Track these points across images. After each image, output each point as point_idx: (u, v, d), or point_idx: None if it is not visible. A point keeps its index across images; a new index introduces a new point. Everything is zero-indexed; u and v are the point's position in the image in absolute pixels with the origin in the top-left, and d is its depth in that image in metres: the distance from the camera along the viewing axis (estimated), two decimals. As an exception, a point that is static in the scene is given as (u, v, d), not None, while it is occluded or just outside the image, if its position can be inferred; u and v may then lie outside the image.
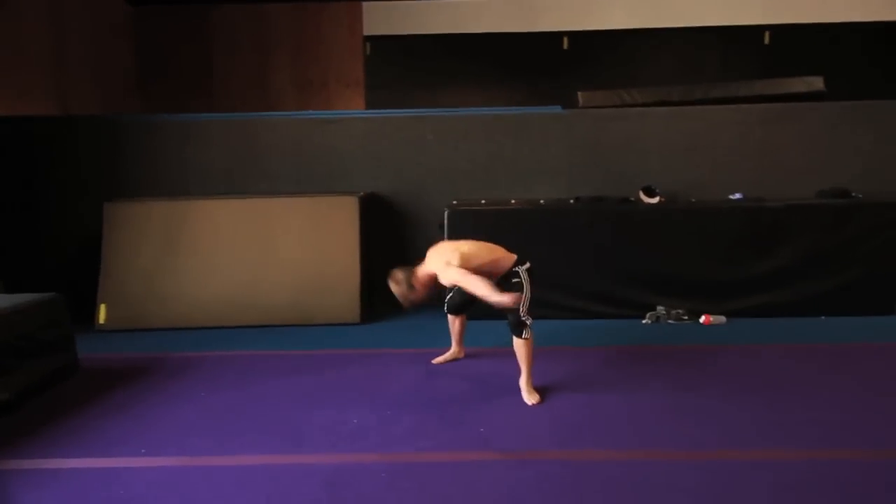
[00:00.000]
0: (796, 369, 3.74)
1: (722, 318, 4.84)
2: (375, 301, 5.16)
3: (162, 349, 4.36)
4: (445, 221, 4.94)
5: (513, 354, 3.36)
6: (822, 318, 4.91)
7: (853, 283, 4.92)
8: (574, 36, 8.35)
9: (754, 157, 5.42)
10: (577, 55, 8.40)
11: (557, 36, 8.42)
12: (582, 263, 5.01)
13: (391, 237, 5.57)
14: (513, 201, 5.29)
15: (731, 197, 5.25)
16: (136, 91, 8.37)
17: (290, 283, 4.99)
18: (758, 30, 8.22)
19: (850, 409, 3.12)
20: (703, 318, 4.84)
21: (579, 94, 5.70)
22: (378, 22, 8.51)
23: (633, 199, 5.22)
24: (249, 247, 5.10)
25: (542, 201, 5.31)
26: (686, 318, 4.88)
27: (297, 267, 5.04)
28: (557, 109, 5.61)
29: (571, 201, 5.29)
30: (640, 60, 8.38)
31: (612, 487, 2.43)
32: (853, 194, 5.10)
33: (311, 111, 7.18)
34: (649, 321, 4.89)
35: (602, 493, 2.39)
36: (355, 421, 3.08)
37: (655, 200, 5.15)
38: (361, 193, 5.34)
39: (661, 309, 4.92)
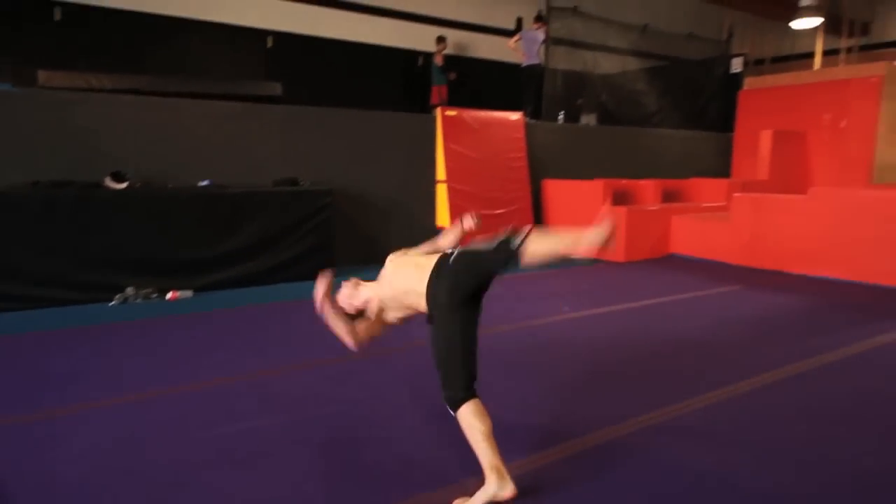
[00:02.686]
0: (250, 321, 4.50)
1: (189, 293, 5.39)
2: None
3: None
4: None
5: None
6: (281, 284, 5.95)
7: (301, 255, 6.10)
8: (68, 7, 7.79)
9: (222, 149, 6.14)
10: (70, 32, 7.84)
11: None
12: (43, 250, 4.87)
13: None
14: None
15: (201, 184, 5.83)
16: None
17: None
18: (262, 33, 9.22)
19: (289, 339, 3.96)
20: (169, 295, 5.29)
21: (39, 72, 5.43)
22: None
23: (101, 184, 5.29)
24: None
25: (-10, 186, 4.90)
26: (155, 296, 5.25)
27: None
28: (7, 87, 5.23)
29: (30, 186, 5.04)
30: (150, 47, 8.40)
31: None
32: (301, 183, 6.28)
33: None
34: (117, 302, 5.08)
35: None
36: None
37: (124, 186, 5.34)
38: None
39: (129, 290, 5.17)
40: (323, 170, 6.69)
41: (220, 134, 6.13)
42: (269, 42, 9.22)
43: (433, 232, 7.90)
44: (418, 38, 10.47)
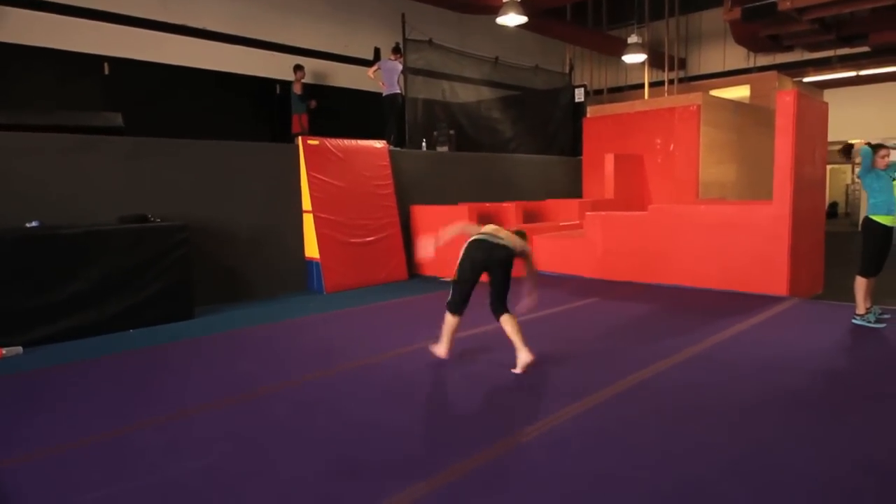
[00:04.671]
0: (84, 382, 3.97)
1: (18, 349, 4.72)
2: None
3: None
4: None
5: None
6: (131, 331, 5.41)
7: (155, 296, 5.61)
8: None
9: (56, 186, 5.52)
10: None
11: None
12: None
13: None
14: None
15: (28, 225, 5.18)
16: None
17: None
18: (97, 59, 8.48)
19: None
20: (-6, 353, 4.60)
21: None
22: None
23: None
24: None
25: None
26: (-26, 356, 4.53)
27: None
28: None
29: None
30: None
31: None
32: (150, 218, 5.80)
33: None
34: (-77, 369, 4.31)
35: None
36: None
37: (-72, 232, 4.59)
38: None
39: (-61, 352, 4.42)
40: (177, 204, 6.24)
41: (53, 170, 5.50)
42: (106, 69, 8.50)
43: (302, 264, 7.70)
44: (274, 67, 10.23)
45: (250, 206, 6.94)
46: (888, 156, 4.90)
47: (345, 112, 10.57)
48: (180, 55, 9.25)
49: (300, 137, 7.51)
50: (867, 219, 5.01)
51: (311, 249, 7.38)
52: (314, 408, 3.44)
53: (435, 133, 9.74)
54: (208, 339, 5.09)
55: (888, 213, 4.90)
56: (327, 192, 7.44)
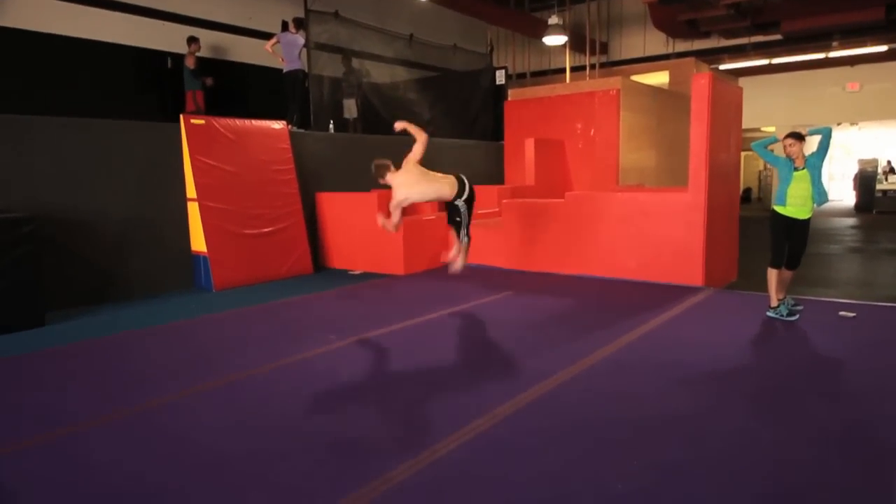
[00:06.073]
0: None
1: None
2: None
3: None
4: None
5: None
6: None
7: (-8, 302, 4.74)
8: None
9: None
10: None
11: None
12: None
13: None
14: None
15: None
16: None
17: None
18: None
19: None
20: None
21: None
22: None
23: None
24: None
25: None
26: None
27: None
28: None
29: None
30: None
31: None
32: (-14, 210, 4.90)
33: None
34: None
35: None
36: None
37: None
38: None
39: None
40: (27, 192, 5.34)
41: None
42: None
43: (187, 257, 6.89)
44: (166, 38, 9.21)
45: (122, 193, 6.09)
46: (794, 145, 4.70)
47: (250, 90, 9.68)
48: (53, 23, 8.11)
49: (182, 116, 6.67)
50: (771, 209, 4.90)
51: (199, 242, 6.60)
52: (139, 443, 2.80)
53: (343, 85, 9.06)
54: (40, 355, 4.28)
55: (781, 204, 4.77)
56: (215, 178, 6.66)
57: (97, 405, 3.29)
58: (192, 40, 8.90)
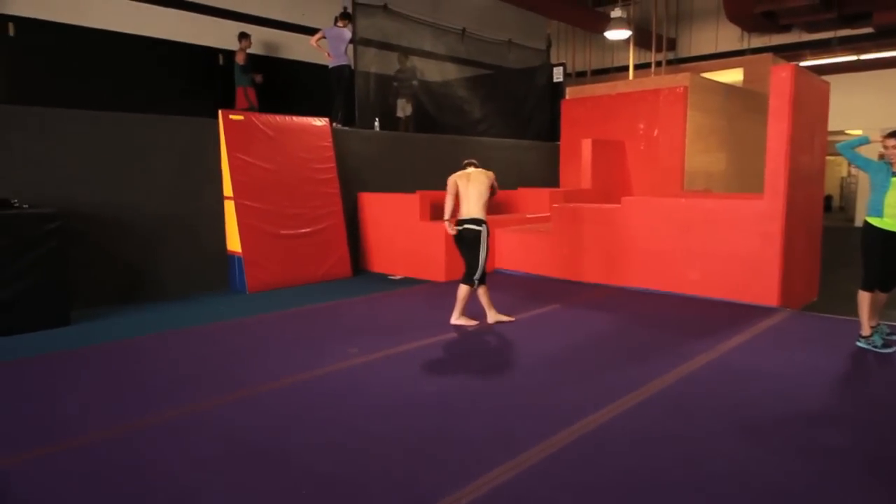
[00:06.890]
0: None
1: None
2: None
3: None
4: None
5: None
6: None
7: (14, 299, 4.62)
8: None
9: None
10: None
11: None
12: None
13: None
14: None
15: None
16: None
17: None
18: (1, 19, 7.41)
19: None
20: None
21: None
22: None
23: None
24: None
25: None
26: None
27: None
28: None
29: None
30: None
31: None
32: (15, 204, 4.80)
33: None
34: None
35: None
36: None
37: None
38: None
39: None
40: (57, 187, 5.24)
41: None
42: (11, 30, 7.42)
43: (223, 258, 6.73)
44: (218, 35, 9.15)
45: (156, 190, 5.95)
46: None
47: (302, 88, 9.52)
48: (103, 18, 8.16)
49: (221, 112, 6.49)
50: (864, 221, 4.17)
51: (234, 242, 6.41)
52: (118, 471, 2.49)
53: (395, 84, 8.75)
54: (60, 356, 4.10)
55: (877, 215, 4.05)
56: (253, 176, 6.44)
57: (87, 420, 3.03)
58: (242, 36, 8.79)
